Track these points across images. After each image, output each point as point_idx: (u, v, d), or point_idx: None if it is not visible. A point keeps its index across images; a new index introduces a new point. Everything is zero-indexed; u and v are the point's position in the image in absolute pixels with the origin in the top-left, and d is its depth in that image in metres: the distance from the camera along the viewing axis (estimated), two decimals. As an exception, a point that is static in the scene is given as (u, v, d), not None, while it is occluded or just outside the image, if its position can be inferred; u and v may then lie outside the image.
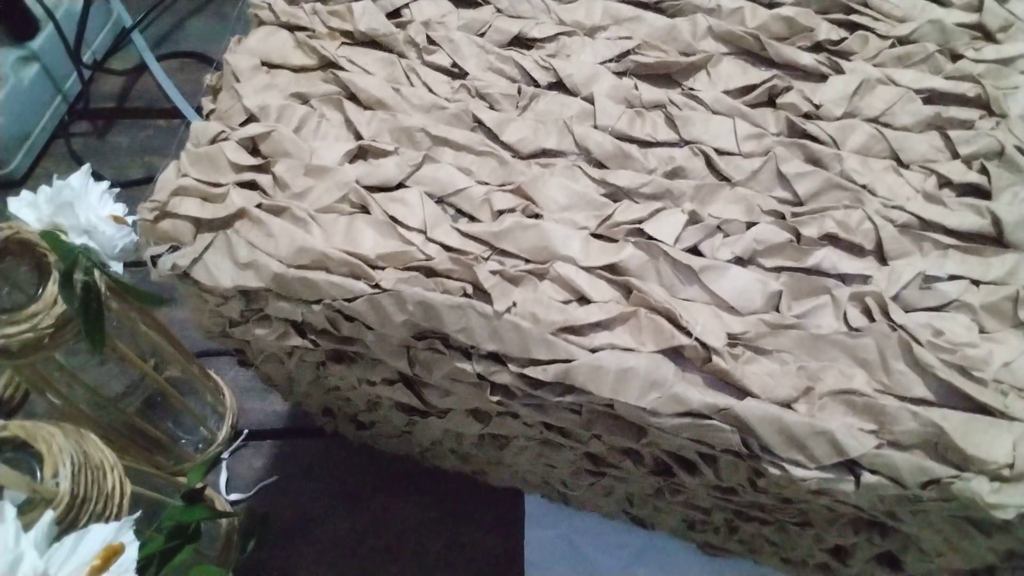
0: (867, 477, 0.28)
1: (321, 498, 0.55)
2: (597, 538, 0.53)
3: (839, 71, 0.36)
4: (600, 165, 0.35)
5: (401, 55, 0.38)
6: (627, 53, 0.37)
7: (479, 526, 0.54)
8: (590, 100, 0.36)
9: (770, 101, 0.36)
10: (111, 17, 0.80)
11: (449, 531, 0.54)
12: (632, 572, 0.52)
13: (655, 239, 0.32)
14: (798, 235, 0.32)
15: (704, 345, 0.29)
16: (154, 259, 0.33)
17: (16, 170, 0.71)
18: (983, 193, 0.33)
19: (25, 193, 0.38)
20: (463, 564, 0.53)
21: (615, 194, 0.34)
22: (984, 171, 0.33)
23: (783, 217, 0.33)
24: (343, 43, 0.38)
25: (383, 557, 0.53)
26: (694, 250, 0.32)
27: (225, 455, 0.56)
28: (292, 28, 0.39)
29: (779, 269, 0.31)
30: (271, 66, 0.38)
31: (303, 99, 0.36)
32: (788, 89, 0.36)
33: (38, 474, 0.31)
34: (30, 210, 0.38)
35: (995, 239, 0.32)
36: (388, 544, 0.54)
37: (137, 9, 0.81)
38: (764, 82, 0.36)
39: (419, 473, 0.55)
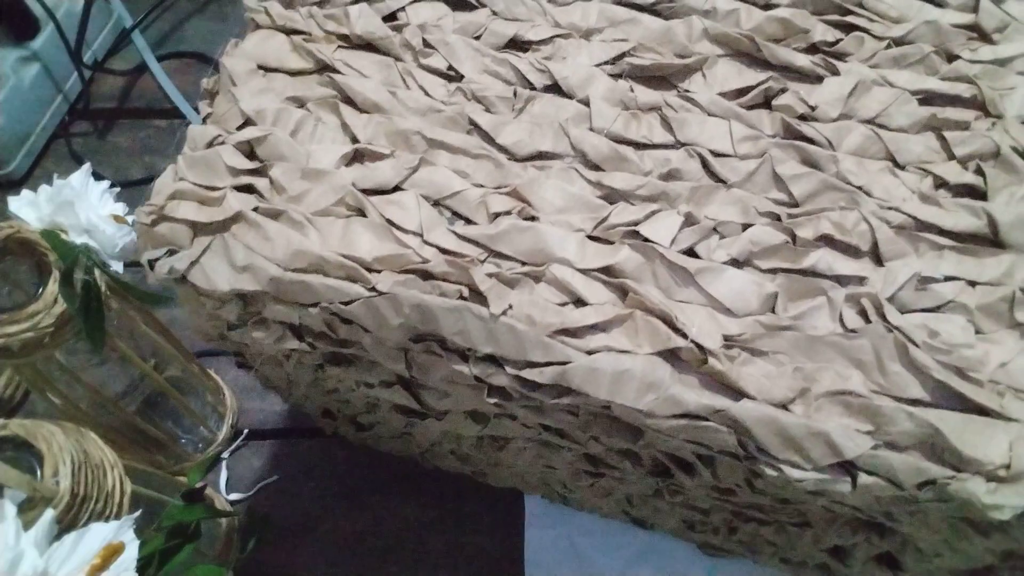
0: (863, 478, 0.28)
1: (321, 498, 0.56)
2: (597, 538, 0.53)
3: (835, 72, 0.36)
4: (596, 167, 0.35)
5: (397, 58, 0.38)
6: (622, 55, 0.37)
7: (479, 526, 0.54)
8: (586, 102, 0.36)
9: (766, 103, 0.36)
10: (111, 17, 0.80)
11: (449, 531, 0.54)
12: (632, 572, 0.52)
13: (651, 241, 0.32)
14: (794, 237, 0.32)
15: (700, 347, 0.29)
16: (151, 263, 0.33)
17: (16, 170, 0.71)
18: (979, 194, 0.33)
19: (25, 192, 0.38)
20: (463, 564, 0.53)
21: (611, 196, 0.34)
22: (980, 172, 0.33)
23: (779, 219, 0.33)
24: (339, 46, 0.38)
25: (383, 557, 0.53)
26: (690, 252, 0.32)
27: (225, 455, 0.56)
28: (288, 32, 0.39)
29: (775, 270, 0.32)
30: (267, 70, 0.38)
31: (299, 102, 0.37)
32: (783, 91, 0.36)
33: (38, 473, 0.31)
34: (30, 209, 0.38)
35: (991, 240, 0.32)
36: (388, 544, 0.54)
37: (137, 9, 0.81)
38: (759, 84, 0.36)
39: (419, 473, 0.55)
